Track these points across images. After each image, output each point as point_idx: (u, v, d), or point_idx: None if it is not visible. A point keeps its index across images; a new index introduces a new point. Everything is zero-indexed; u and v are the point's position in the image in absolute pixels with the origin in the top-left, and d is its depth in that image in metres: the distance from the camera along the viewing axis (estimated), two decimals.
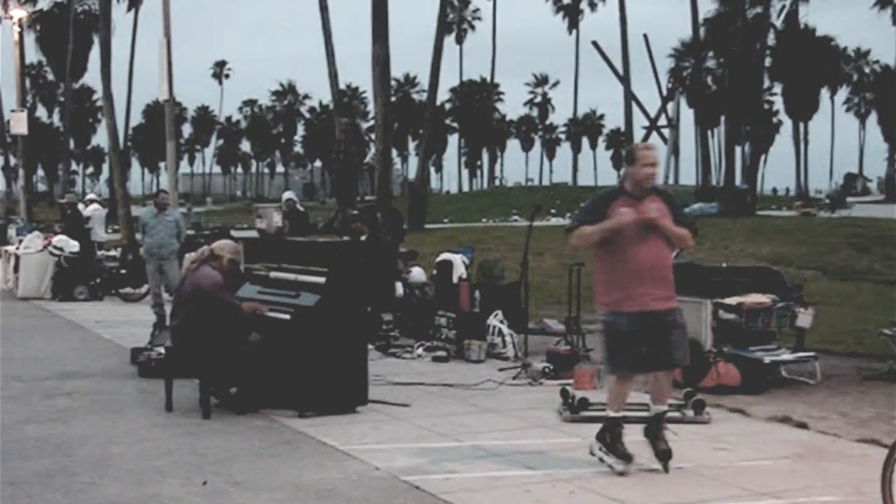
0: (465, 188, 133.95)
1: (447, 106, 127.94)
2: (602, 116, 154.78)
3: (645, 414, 8.10)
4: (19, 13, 49.06)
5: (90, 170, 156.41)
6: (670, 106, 54.08)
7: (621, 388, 7.91)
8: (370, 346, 12.07)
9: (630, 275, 7.64)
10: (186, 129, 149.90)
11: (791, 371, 12.07)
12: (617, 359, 7.78)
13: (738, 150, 68.05)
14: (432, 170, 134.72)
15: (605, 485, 7.44)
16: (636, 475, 7.69)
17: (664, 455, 7.76)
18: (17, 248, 23.81)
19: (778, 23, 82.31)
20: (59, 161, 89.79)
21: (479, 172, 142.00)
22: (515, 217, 57.62)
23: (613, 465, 7.71)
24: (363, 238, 16.18)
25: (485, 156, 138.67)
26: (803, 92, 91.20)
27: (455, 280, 15.29)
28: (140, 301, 21.40)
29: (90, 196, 27.31)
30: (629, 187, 7.82)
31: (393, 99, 61.92)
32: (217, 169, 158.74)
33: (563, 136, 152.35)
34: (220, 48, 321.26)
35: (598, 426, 8.88)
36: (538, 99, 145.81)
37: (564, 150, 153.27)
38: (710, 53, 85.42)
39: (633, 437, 7.91)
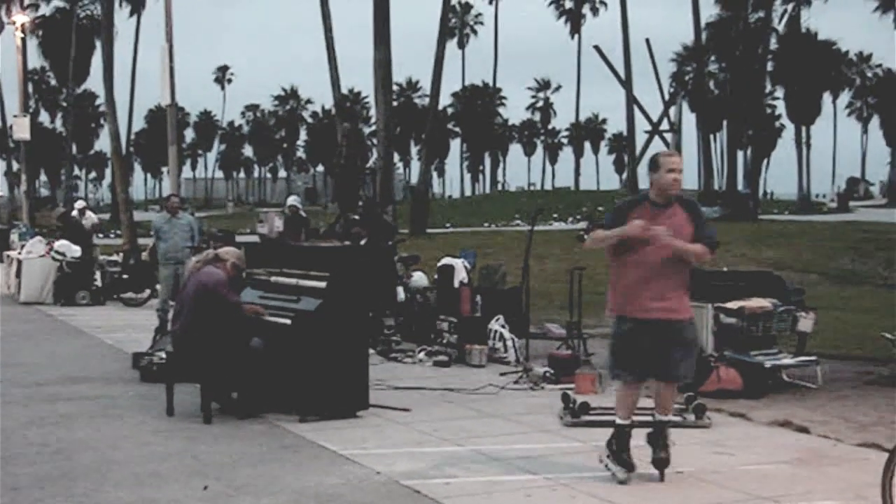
0: (468, 193, 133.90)
1: (449, 110, 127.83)
2: (604, 121, 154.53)
3: (648, 419, 8.07)
4: (22, 18, 49.18)
5: (93, 175, 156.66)
6: (672, 110, 53.88)
7: (626, 394, 7.83)
8: (371, 351, 12.09)
9: (635, 280, 7.61)
10: (189, 134, 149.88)
11: (792, 375, 12.09)
12: (618, 364, 7.77)
13: (740, 154, 68.02)
14: (434, 174, 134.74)
15: (607, 489, 7.44)
16: (638, 480, 7.69)
17: (659, 463, 7.74)
18: (20, 253, 23.83)
19: (780, 27, 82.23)
20: (61, 166, 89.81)
21: (481, 177, 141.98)
22: (518, 222, 57.56)
23: (616, 474, 7.67)
24: (363, 242, 16.19)
25: (487, 160, 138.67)
26: (805, 96, 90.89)
27: (456, 284, 15.29)
28: (142, 306, 21.44)
29: (83, 204, 27.20)
30: (653, 195, 7.70)
31: (395, 103, 61.93)
32: (219, 174, 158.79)
33: (565, 141, 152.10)
34: (222, 53, 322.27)
35: (598, 431, 8.92)
36: (540, 103, 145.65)
37: (567, 155, 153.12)
38: (712, 58, 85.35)
39: (636, 441, 7.90)
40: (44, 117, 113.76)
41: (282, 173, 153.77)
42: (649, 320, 7.58)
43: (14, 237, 33.51)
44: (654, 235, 7.48)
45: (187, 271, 10.83)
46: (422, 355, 14.04)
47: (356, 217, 17.78)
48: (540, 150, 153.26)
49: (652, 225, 7.51)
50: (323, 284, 10.01)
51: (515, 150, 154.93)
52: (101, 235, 27.16)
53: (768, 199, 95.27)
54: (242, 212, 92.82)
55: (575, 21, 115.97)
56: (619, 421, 7.81)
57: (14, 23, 48.18)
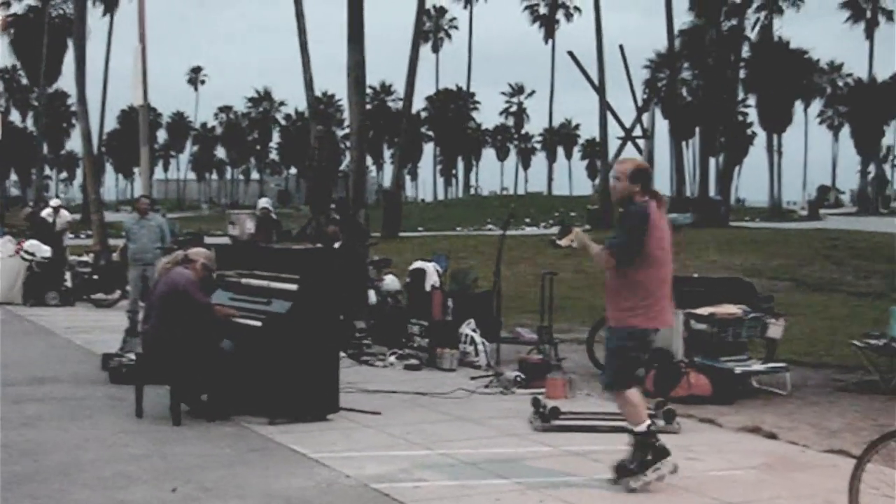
0: (441, 196, 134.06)
1: (423, 114, 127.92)
2: (577, 126, 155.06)
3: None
4: None
5: (64, 174, 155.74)
6: (645, 116, 54.09)
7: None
8: (342, 354, 12.07)
9: None
10: (161, 135, 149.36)
11: (762, 381, 12.15)
12: None
13: (712, 161, 68.30)
14: (407, 178, 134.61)
15: (576, 494, 7.45)
16: (608, 484, 7.70)
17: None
18: None
19: (752, 35, 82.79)
20: (32, 166, 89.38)
21: (454, 181, 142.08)
22: (490, 226, 57.64)
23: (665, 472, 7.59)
24: (337, 245, 16.16)
25: (460, 164, 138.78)
26: (777, 104, 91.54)
27: (428, 288, 15.29)
28: (112, 307, 21.32)
29: (58, 202, 27.06)
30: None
31: (369, 107, 61.85)
32: (192, 175, 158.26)
33: (538, 146, 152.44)
34: (195, 54, 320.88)
35: (568, 436, 8.96)
36: (514, 108, 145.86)
37: (540, 160, 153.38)
38: (686, 65, 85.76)
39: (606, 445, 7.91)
40: (15, 116, 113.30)
41: (254, 175, 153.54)
42: None
43: None
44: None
45: (157, 273, 10.78)
46: (392, 359, 14.02)
47: (335, 217, 17.72)
48: (513, 154, 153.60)
49: None
50: (294, 287, 10.00)
51: (489, 154, 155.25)
52: (71, 236, 27.02)
53: (739, 205, 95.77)
54: (218, 213, 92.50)
55: (549, 26, 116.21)
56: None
57: None
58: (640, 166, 7.94)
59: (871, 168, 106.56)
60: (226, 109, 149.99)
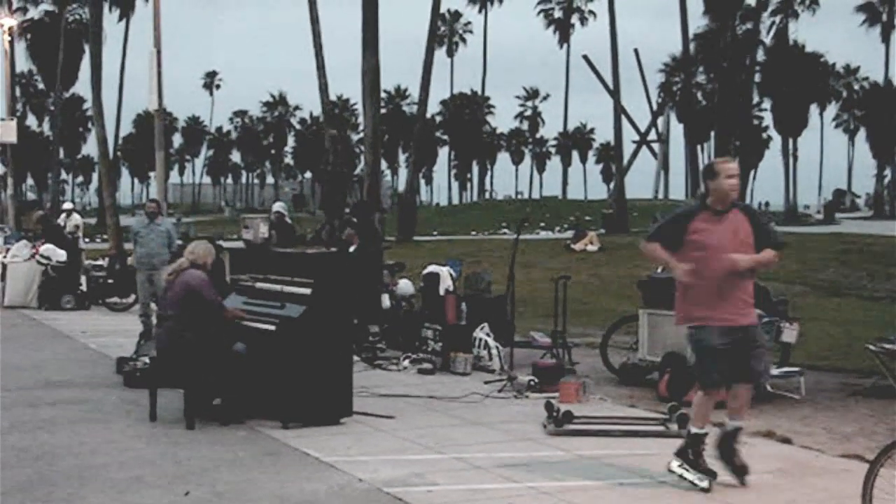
0: (455, 201, 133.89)
1: (437, 118, 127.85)
2: (592, 130, 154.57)
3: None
4: (10, 22, 49.04)
5: (80, 179, 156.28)
6: (660, 121, 54.24)
7: (709, 403, 8.03)
8: (356, 358, 12.07)
9: (714, 290, 7.72)
10: (177, 140, 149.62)
11: (776, 386, 12.10)
12: (709, 373, 7.89)
13: None
14: (422, 182, 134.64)
15: (590, 498, 7.44)
16: (621, 489, 7.70)
17: (742, 471, 7.88)
18: (5, 257, 23.77)
19: (767, 39, 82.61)
20: (48, 170, 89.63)
21: (469, 185, 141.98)
22: (504, 230, 57.61)
23: (698, 482, 7.71)
24: (353, 248, 16.16)
25: (475, 168, 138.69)
26: (792, 108, 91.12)
27: (442, 292, 15.30)
28: (127, 311, 21.38)
29: (70, 206, 27.22)
30: (712, 202, 7.81)
31: (383, 111, 61.93)
32: (207, 179, 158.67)
33: (553, 150, 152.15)
34: (211, 59, 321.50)
35: (582, 440, 8.94)
36: (528, 112, 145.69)
37: (554, 164, 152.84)
38: (701, 69, 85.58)
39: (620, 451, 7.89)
40: (31, 121, 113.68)
41: (269, 179, 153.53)
42: (734, 327, 7.79)
43: None
44: (732, 264, 7.68)
45: (164, 282, 10.81)
46: (406, 363, 14.03)
47: (354, 220, 17.70)
48: (528, 158, 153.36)
49: (713, 228, 7.73)
50: (307, 291, 10.01)
51: (503, 158, 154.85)
52: (86, 240, 27.07)
53: (763, 210, 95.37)
54: (236, 217, 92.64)
55: (564, 30, 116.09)
56: (696, 430, 7.97)
57: (2, 26, 48.00)
58: None
59: (888, 172, 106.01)
60: (241, 114, 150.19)
